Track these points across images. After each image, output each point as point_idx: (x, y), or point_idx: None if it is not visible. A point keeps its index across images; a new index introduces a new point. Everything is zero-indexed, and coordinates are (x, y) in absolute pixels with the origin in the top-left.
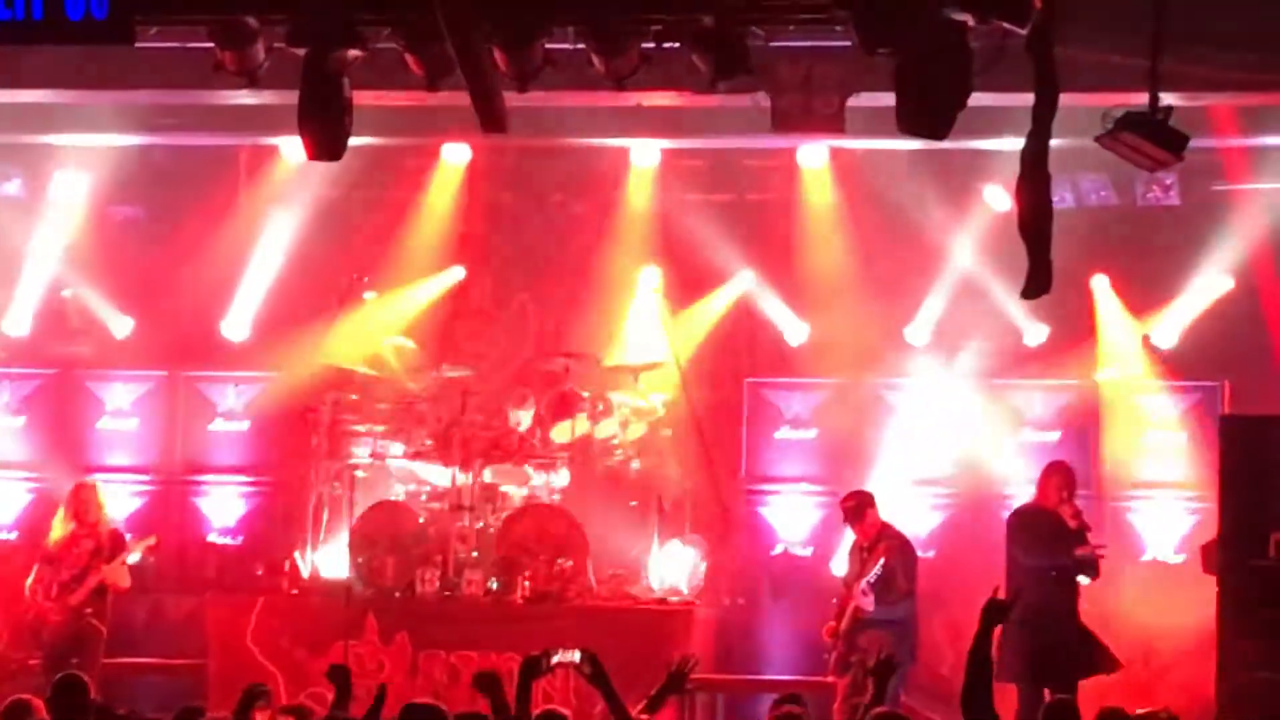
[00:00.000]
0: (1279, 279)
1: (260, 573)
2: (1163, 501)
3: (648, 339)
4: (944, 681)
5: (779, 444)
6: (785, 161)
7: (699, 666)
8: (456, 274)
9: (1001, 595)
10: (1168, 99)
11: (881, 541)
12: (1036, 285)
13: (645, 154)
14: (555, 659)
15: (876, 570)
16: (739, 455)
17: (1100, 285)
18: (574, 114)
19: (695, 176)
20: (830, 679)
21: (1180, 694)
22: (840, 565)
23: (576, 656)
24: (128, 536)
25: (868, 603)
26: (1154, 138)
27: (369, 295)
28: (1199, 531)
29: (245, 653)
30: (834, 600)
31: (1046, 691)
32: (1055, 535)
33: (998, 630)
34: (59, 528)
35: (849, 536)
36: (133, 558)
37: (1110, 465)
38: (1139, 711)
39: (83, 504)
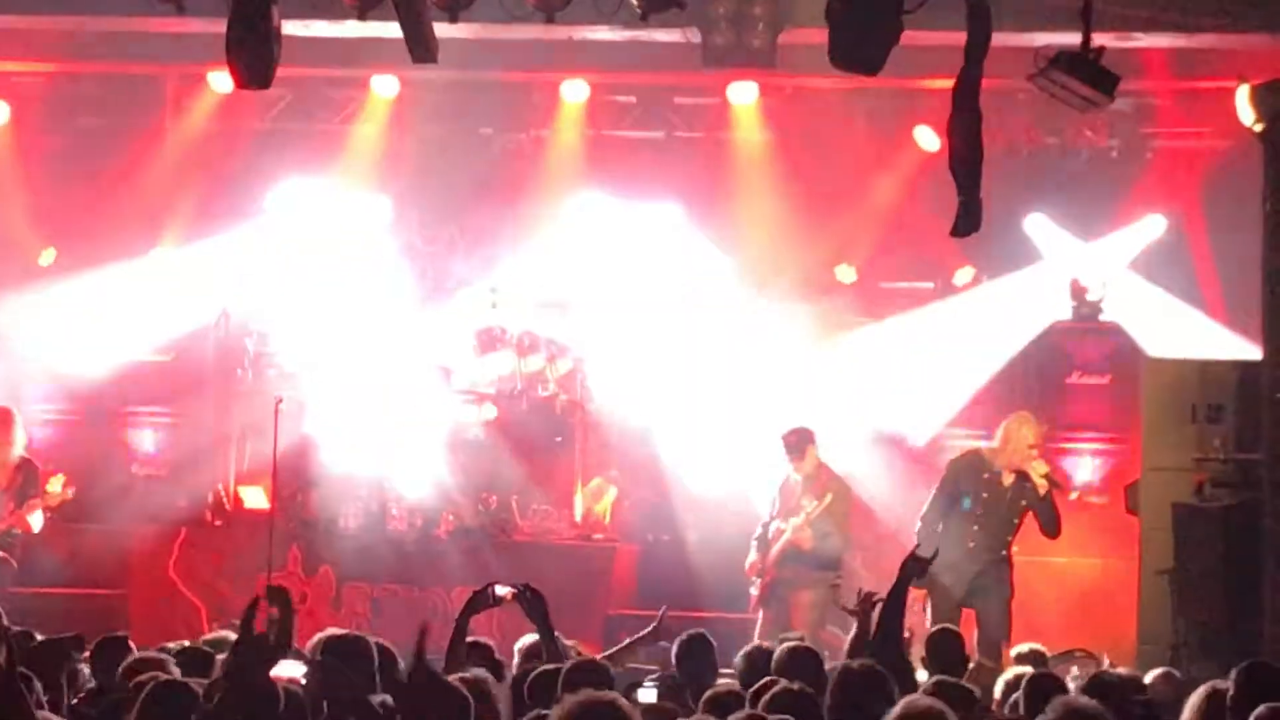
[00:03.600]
0: (1207, 223)
1: (183, 504)
2: (1087, 442)
3: (576, 274)
4: None
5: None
6: (716, 98)
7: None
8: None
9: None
10: (1100, 39)
11: (820, 479)
12: (966, 224)
13: (575, 88)
14: (502, 592)
15: (821, 505)
16: None
17: (1037, 222)
18: (505, 46)
19: (625, 111)
20: (753, 613)
21: (1101, 634)
22: (764, 501)
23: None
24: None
25: (805, 537)
26: (1086, 78)
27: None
28: (1122, 472)
29: (167, 583)
30: (756, 535)
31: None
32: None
33: None
34: None
35: (778, 472)
36: (51, 491)
37: (1036, 406)
38: (1058, 651)
39: None
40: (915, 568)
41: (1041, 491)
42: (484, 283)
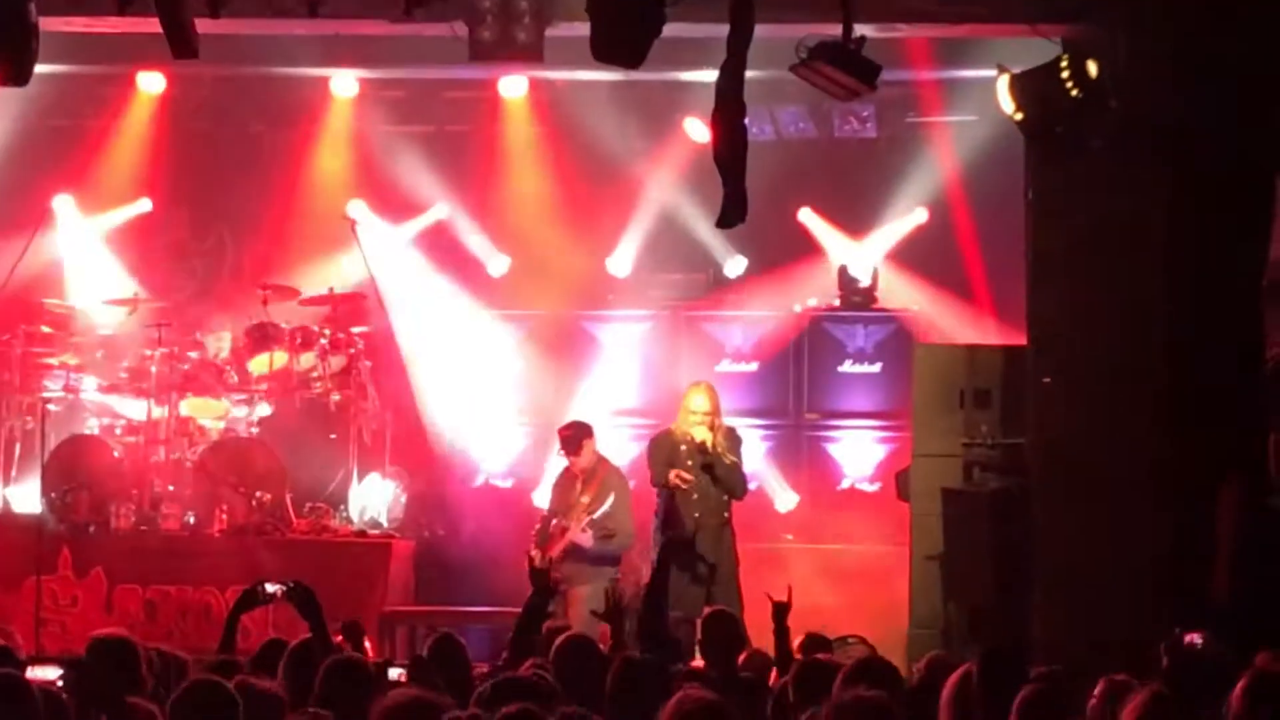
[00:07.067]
0: (972, 211)
1: None
2: (859, 430)
3: (348, 270)
4: None
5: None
6: (486, 92)
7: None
8: (144, 206)
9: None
10: (861, 29)
11: (599, 475)
12: (732, 215)
13: (345, 84)
14: (271, 590)
15: (605, 508)
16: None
17: (807, 215)
18: (272, 42)
19: (395, 107)
20: None
21: (876, 620)
22: (543, 495)
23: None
24: None
25: (586, 538)
26: (847, 67)
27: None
28: (894, 459)
29: None
30: (535, 528)
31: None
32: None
33: None
34: None
35: (555, 466)
36: None
37: (807, 395)
38: (836, 638)
39: None
40: (675, 549)
41: (711, 455)
42: (255, 281)
